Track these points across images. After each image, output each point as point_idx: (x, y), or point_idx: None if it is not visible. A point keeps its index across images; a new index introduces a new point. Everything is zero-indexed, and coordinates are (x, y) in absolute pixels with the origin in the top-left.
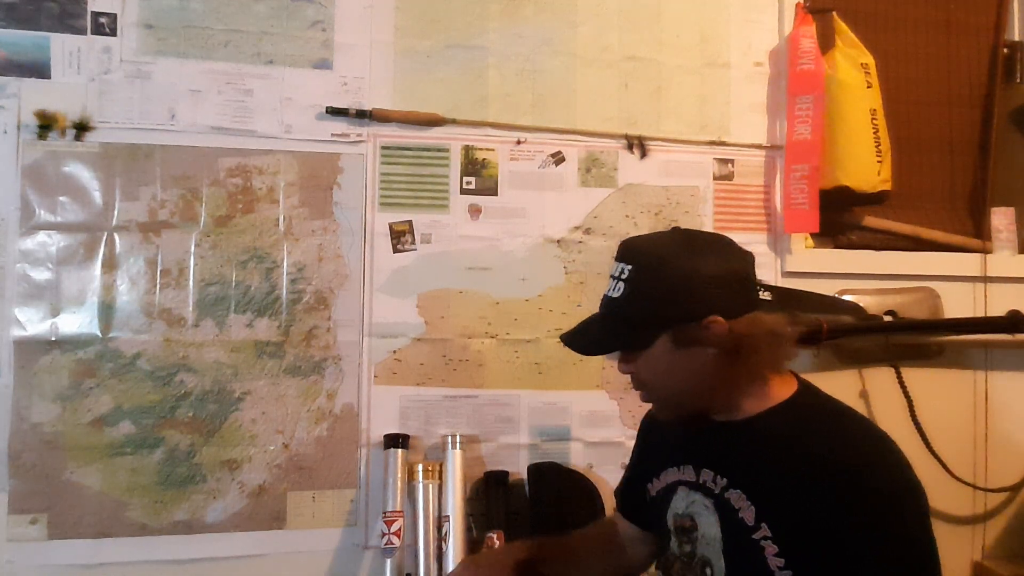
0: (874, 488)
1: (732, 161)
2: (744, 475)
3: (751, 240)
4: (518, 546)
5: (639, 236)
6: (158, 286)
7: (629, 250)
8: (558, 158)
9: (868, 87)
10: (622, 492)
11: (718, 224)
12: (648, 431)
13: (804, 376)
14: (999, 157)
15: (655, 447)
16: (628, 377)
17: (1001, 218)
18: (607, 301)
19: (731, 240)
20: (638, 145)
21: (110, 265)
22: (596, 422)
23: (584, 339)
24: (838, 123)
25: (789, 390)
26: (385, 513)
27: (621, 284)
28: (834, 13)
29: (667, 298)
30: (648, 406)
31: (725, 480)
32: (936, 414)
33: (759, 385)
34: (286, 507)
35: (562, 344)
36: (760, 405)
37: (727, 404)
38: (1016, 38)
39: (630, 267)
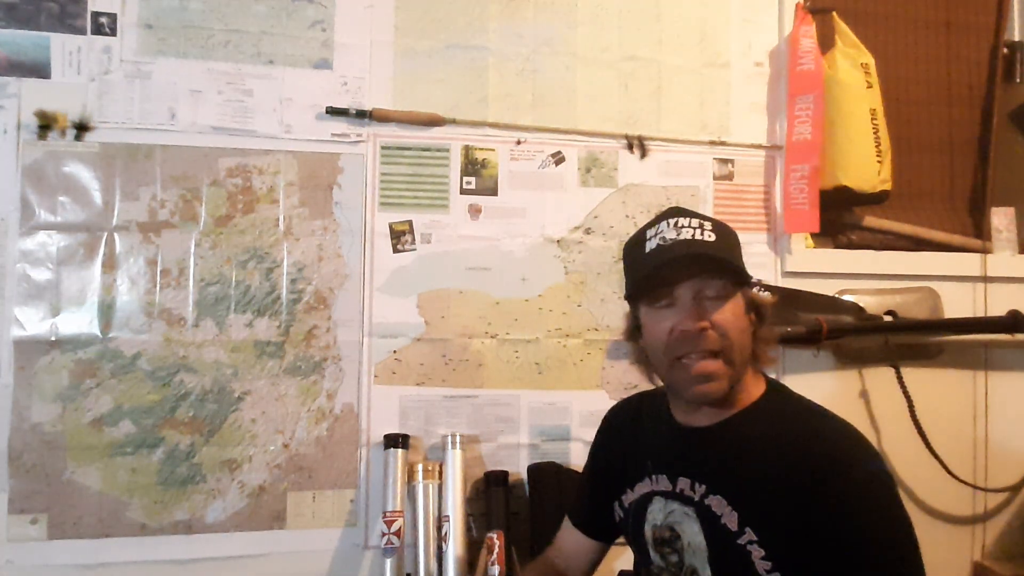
0: (852, 480)
1: (732, 161)
2: (723, 480)
3: (751, 240)
4: None
5: None
6: (158, 286)
7: (693, 212)
8: (558, 158)
9: (868, 87)
10: (584, 512)
11: None
12: (608, 447)
13: (805, 376)
14: (999, 157)
15: (622, 462)
16: (627, 378)
17: (1001, 218)
18: (699, 243)
19: None
20: (638, 145)
21: (110, 265)
22: (596, 422)
23: (709, 252)
24: (838, 123)
25: (759, 390)
26: (385, 513)
27: (710, 233)
28: (834, 13)
29: (742, 258)
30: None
31: (704, 487)
32: (936, 414)
33: (740, 385)
34: (286, 507)
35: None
36: (733, 407)
37: (735, 392)
38: (1016, 38)
39: (709, 223)
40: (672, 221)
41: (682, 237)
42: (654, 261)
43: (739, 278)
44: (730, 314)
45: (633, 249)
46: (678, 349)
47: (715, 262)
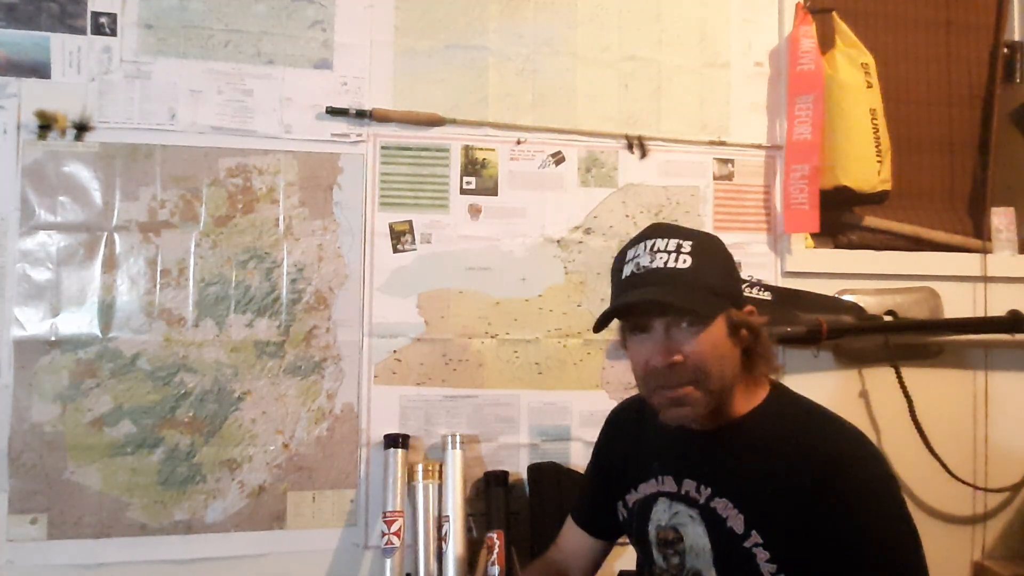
0: (856, 481)
1: (732, 161)
2: (729, 483)
3: (751, 240)
4: None
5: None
6: (158, 286)
7: (675, 229)
8: (558, 158)
9: (868, 87)
10: (587, 511)
11: (718, 224)
12: (612, 446)
13: (805, 376)
14: (999, 157)
15: (625, 461)
16: (627, 378)
17: (1001, 218)
18: (671, 272)
19: None
20: (638, 145)
21: (110, 265)
22: (596, 422)
23: (658, 298)
24: (838, 123)
25: (763, 393)
26: (385, 513)
27: (686, 257)
28: (834, 13)
29: (728, 277)
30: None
31: (710, 489)
32: (936, 414)
33: (739, 388)
34: (286, 507)
35: (609, 316)
36: (737, 410)
37: (726, 405)
38: (1016, 38)
39: (689, 242)
40: (649, 244)
41: (654, 266)
42: (625, 294)
43: (713, 305)
44: (706, 344)
45: (614, 271)
46: (652, 381)
47: (678, 298)
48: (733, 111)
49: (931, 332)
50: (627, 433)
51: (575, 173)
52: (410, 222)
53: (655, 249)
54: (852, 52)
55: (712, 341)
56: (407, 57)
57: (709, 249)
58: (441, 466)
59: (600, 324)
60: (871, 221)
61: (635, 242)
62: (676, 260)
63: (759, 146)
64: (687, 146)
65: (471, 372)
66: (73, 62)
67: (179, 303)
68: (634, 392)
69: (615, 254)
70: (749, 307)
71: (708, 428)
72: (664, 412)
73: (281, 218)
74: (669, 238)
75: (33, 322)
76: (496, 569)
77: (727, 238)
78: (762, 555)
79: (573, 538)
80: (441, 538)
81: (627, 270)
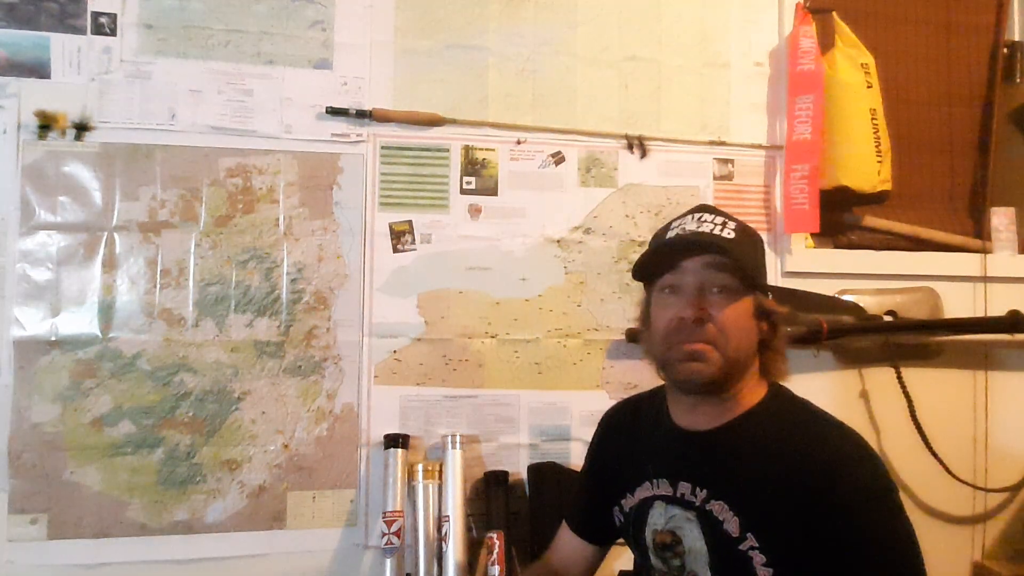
0: (855, 487)
1: (732, 161)
2: (725, 485)
3: None
4: None
5: None
6: (158, 286)
7: (720, 211)
8: (558, 158)
9: (868, 87)
10: (582, 517)
11: None
12: (606, 450)
13: (805, 376)
14: (999, 157)
15: (619, 465)
16: (627, 378)
17: (1001, 218)
18: (717, 237)
19: None
20: (638, 145)
21: (110, 265)
22: (596, 422)
23: (708, 240)
24: (838, 123)
25: (761, 393)
26: (385, 513)
27: (731, 231)
28: (834, 13)
29: (761, 266)
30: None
31: (705, 492)
32: (936, 414)
33: (738, 387)
34: (286, 507)
35: (659, 254)
36: (733, 411)
37: (730, 396)
38: (1016, 38)
39: (733, 223)
40: (697, 216)
41: (701, 230)
42: (666, 246)
43: (748, 280)
44: (732, 313)
45: (656, 237)
46: (674, 336)
47: (721, 255)
48: (733, 111)
49: (931, 332)
50: (621, 436)
51: (575, 173)
52: (410, 222)
53: (702, 219)
54: (852, 52)
55: (738, 312)
56: (407, 57)
57: (750, 236)
58: (441, 466)
59: (639, 268)
60: (871, 221)
61: (682, 215)
62: (721, 231)
63: (759, 146)
64: (687, 146)
65: (471, 372)
66: (73, 62)
67: (179, 303)
68: (634, 392)
69: (615, 254)
70: (773, 300)
71: (703, 429)
72: (680, 367)
73: (281, 218)
74: (716, 215)
75: (33, 322)
76: (496, 569)
77: None
78: (758, 558)
79: (568, 544)
80: (441, 538)
81: (671, 234)
